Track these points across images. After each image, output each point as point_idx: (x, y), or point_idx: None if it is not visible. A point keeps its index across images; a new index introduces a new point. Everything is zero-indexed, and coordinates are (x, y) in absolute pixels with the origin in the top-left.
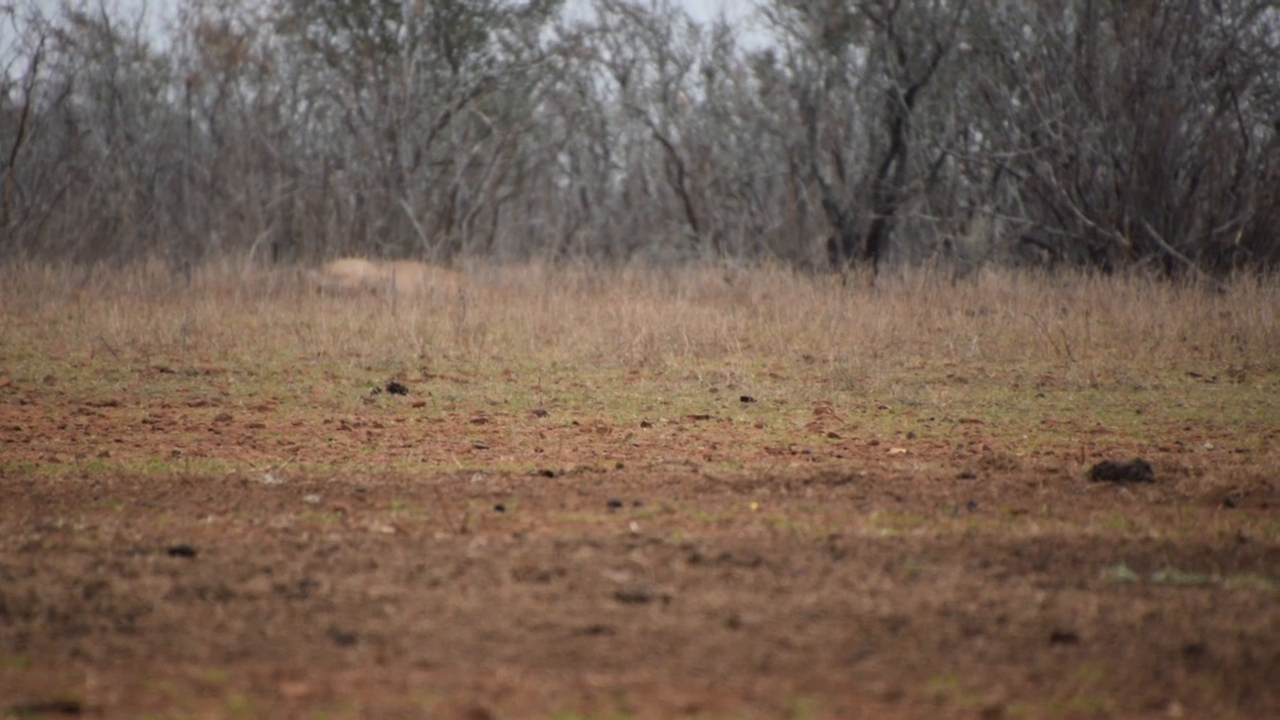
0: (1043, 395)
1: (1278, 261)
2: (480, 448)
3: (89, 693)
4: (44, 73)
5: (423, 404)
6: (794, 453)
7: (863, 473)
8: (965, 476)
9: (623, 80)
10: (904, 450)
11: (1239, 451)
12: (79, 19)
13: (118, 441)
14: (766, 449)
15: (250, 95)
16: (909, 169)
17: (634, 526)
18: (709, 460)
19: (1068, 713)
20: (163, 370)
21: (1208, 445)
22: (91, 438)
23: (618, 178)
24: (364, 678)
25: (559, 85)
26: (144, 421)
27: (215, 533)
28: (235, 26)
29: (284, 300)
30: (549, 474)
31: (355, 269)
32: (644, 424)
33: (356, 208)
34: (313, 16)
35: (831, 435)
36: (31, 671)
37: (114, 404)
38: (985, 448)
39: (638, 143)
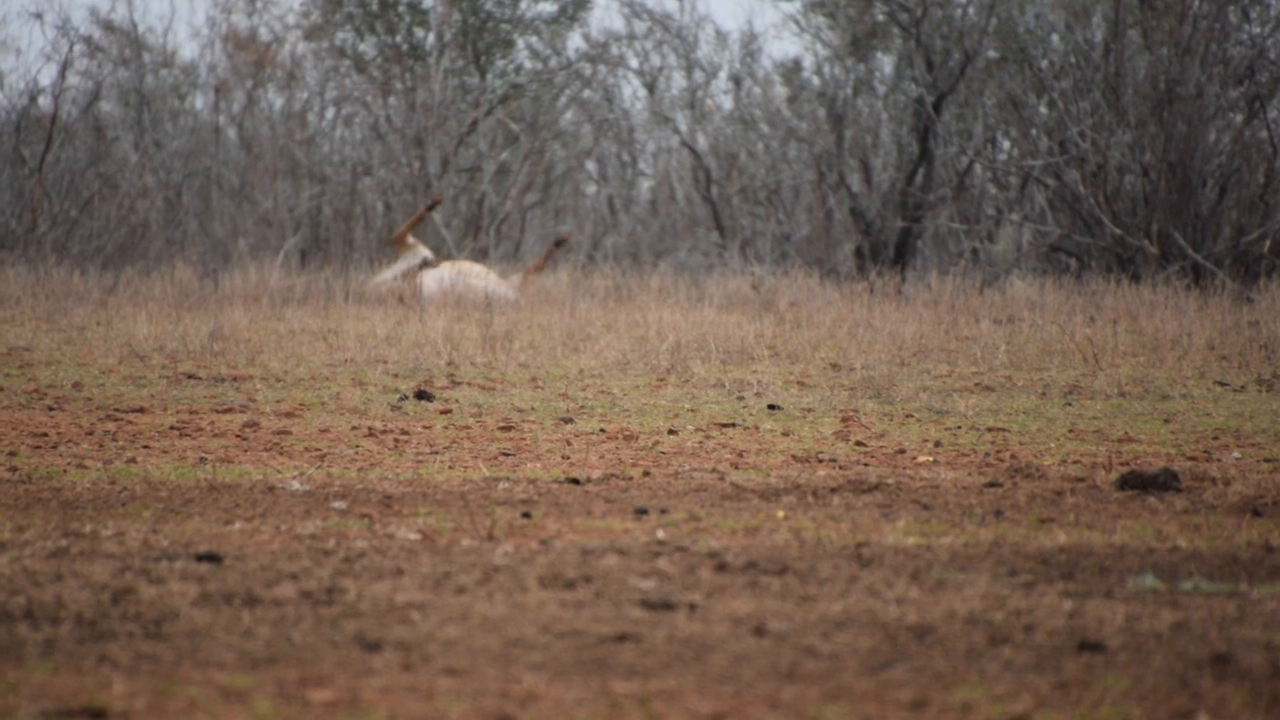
0: (1070, 404)
1: None
2: (507, 455)
3: (116, 699)
4: (72, 79)
5: (450, 411)
6: (821, 461)
7: (890, 481)
8: (992, 485)
9: (650, 88)
10: (931, 458)
11: (1267, 461)
12: (107, 26)
13: (145, 448)
14: (793, 457)
15: (278, 102)
16: (936, 177)
17: (660, 534)
18: (736, 468)
19: None
20: (190, 377)
21: (1236, 454)
22: (119, 444)
23: (645, 185)
24: (390, 684)
25: (586, 93)
26: (171, 428)
27: (242, 539)
28: (263, 33)
29: (311, 307)
30: (576, 481)
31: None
32: (671, 431)
33: (384, 214)
34: (340, 24)
35: (859, 443)
36: (59, 677)
37: (142, 410)
38: (1013, 456)
39: (665, 150)
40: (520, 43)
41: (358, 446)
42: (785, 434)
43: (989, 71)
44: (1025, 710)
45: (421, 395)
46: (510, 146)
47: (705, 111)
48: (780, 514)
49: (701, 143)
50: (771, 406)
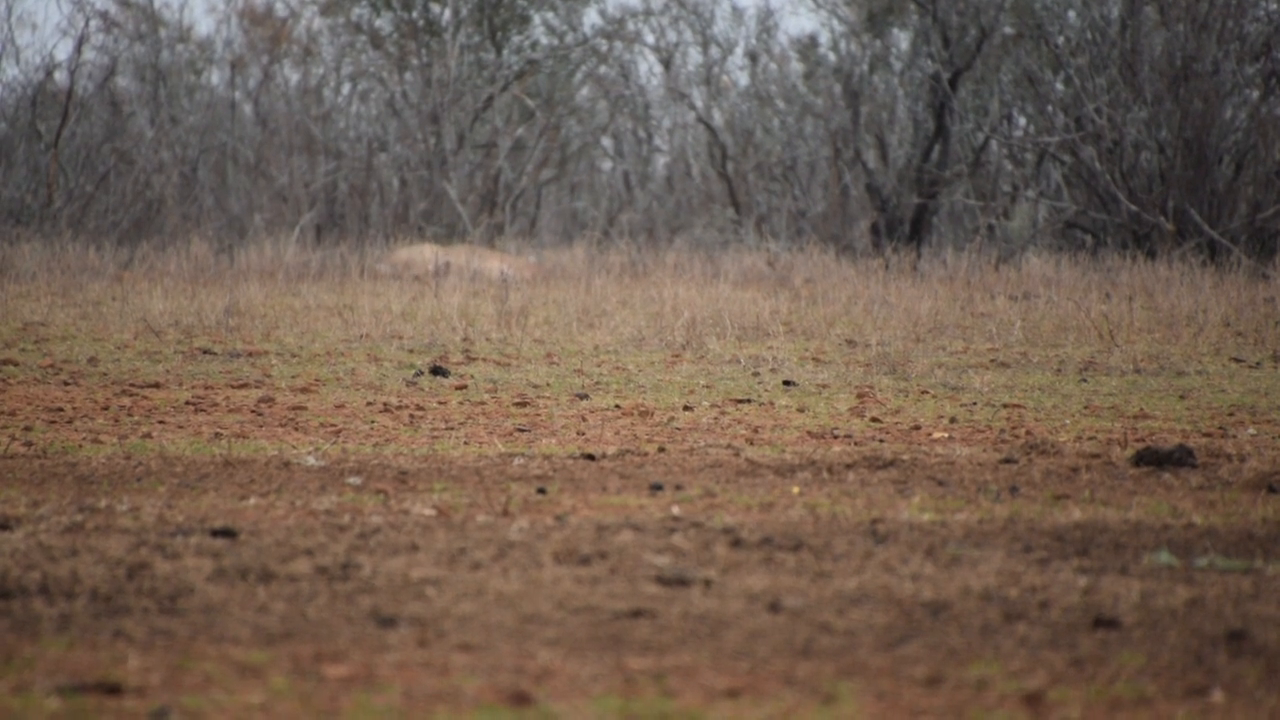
0: (1086, 380)
1: None
2: (522, 430)
3: (131, 673)
4: (89, 54)
5: (465, 386)
6: (836, 437)
7: (905, 457)
8: (1007, 461)
9: (666, 64)
10: (946, 435)
11: None
12: (123, 1)
13: (160, 423)
14: (808, 433)
15: (294, 78)
16: (952, 153)
17: (675, 510)
18: (751, 444)
19: (1109, 698)
20: (206, 352)
21: (1251, 431)
22: (134, 419)
23: (661, 161)
24: (405, 660)
25: (602, 69)
26: (187, 403)
27: (257, 514)
28: (279, 9)
29: (327, 282)
30: (591, 457)
31: (422, 254)
32: (686, 407)
33: (400, 190)
34: None
35: (874, 419)
36: (74, 652)
37: (157, 385)
38: (1028, 433)
39: (681, 126)
40: (536, 18)
41: (373, 422)
42: (800, 410)
43: (1005, 48)
44: (1040, 686)
45: (437, 371)
46: (526, 122)
47: (721, 87)
48: (795, 490)
49: (717, 119)
50: (786, 383)
